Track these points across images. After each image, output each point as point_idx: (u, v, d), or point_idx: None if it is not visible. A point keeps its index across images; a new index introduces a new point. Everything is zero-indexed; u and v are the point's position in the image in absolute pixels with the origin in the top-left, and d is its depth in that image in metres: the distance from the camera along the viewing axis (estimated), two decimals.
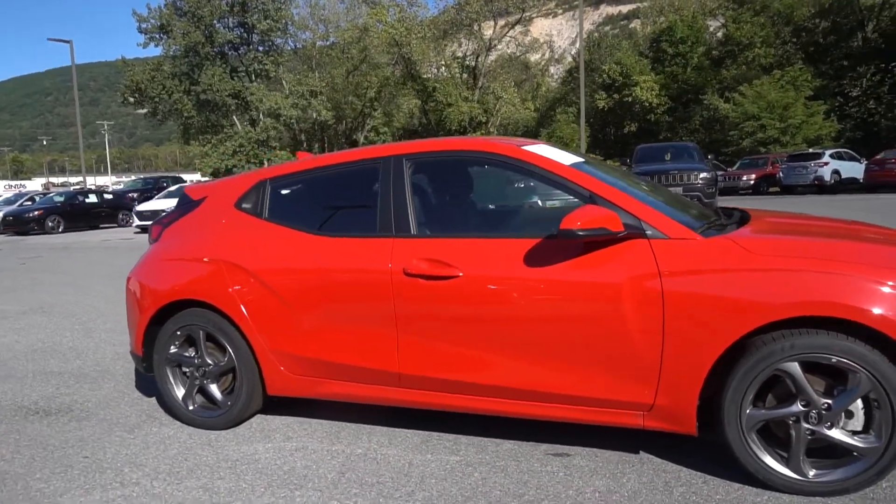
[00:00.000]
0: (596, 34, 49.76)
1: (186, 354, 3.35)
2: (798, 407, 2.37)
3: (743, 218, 2.92)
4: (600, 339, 2.54)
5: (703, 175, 13.65)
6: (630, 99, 37.62)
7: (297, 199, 3.32)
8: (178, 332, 3.30)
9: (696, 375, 2.43)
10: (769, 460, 2.41)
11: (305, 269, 3.01)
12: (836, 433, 2.34)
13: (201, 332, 3.25)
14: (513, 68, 45.41)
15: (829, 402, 2.33)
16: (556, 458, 2.82)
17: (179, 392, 3.36)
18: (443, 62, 41.64)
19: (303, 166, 3.26)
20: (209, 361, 3.28)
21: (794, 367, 2.33)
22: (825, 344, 2.28)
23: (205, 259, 3.24)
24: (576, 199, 2.74)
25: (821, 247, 2.44)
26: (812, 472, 2.38)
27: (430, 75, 41.95)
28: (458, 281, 2.71)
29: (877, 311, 2.21)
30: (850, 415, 2.35)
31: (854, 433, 2.34)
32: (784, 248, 2.43)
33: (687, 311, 2.41)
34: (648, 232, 2.53)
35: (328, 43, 43.60)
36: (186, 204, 3.50)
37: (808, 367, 2.33)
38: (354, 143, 44.78)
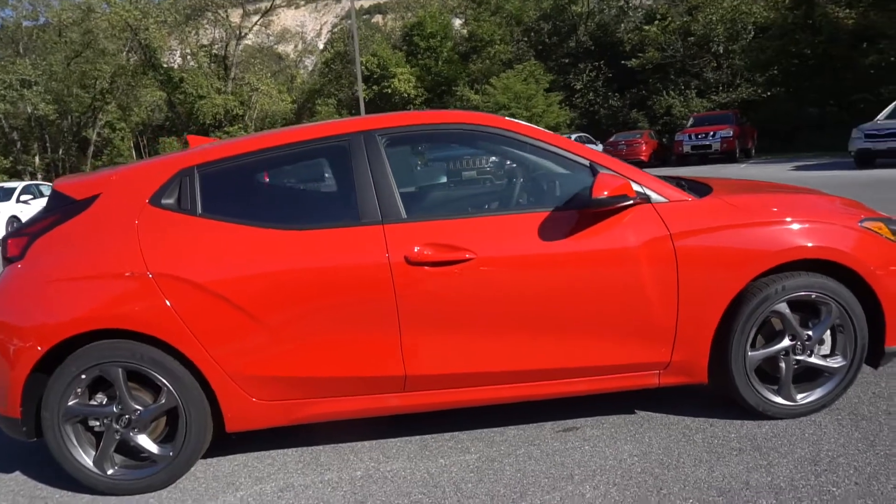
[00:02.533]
0: (350, 26, 49.96)
1: (94, 403, 2.55)
2: (787, 342, 2.67)
3: (700, 185, 3.13)
4: (621, 306, 2.56)
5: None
6: (389, 90, 38.72)
7: (241, 188, 2.71)
8: (83, 376, 2.49)
9: (709, 327, 2.60)
10: (767, 393, 2.69)
11: (276, 273, 2.48)
12: (815, 359, 2.70)
13: (120, 371, 2.49)
14: (266, 59, 43.47)
15: (810, 333, 2.67)
16: (568, 434, 2.78)
17: (88, 456, 2.54)
18: (188, 50, 38.07)
19: (240, 148, 2.66)
20: (135, 406, 2.53)
21: (784, 307, 2.63)
22: (808, 283, 2.60)
23: (124, 273, 2.47)
24: (563, 169, 2.71)
25: (795, 200, 2.77)
26: (799, 397, 2.71)
27: (174, 65, 38.06)
28: (471, 264, 2.49)
29: (847, 250, 2.59)
30: (821, 342, 2.72)
31: (825, 357, 2.73)
32: (767, 203, 2.70)
33: (698, 267, 2.55)
34: (652, 197, 2.61)
35: (38, 23, 36.74)
36: (67, 205, 2.62)
37: (792, 305, 2.65)
38: (85, 141, 38.64)
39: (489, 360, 2.57)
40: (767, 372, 2.73)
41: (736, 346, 2.62)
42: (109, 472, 2.55)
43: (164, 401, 2.52)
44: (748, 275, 2.56)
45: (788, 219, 2.62)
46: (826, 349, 2.74)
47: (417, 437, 2.87)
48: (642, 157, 21.44)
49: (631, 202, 2.50)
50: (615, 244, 2.54)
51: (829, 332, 2.72)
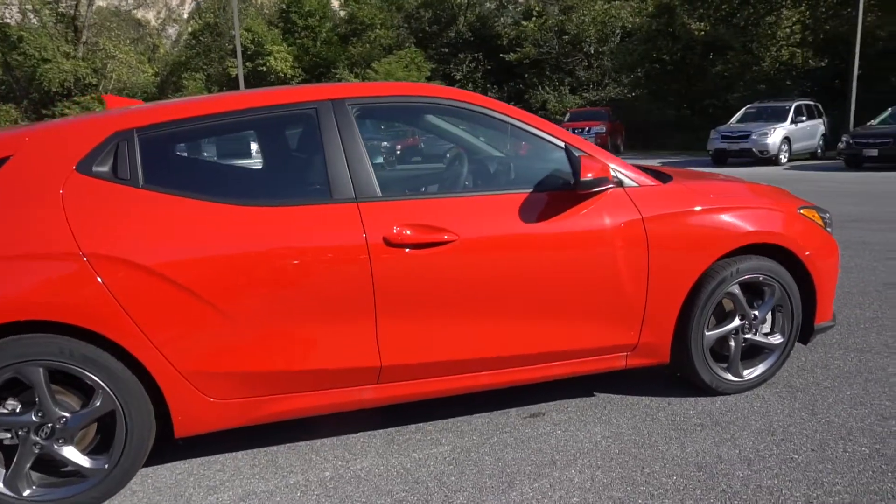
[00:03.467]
0: None
1: (4, 412, 2.11)
2: (737, 321, 2.83)
3: (657, 171, 3.20)
4: (596, 288, 2.57)
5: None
6: (264, 68, 36.83)
7: (192, 156, 2.35)
8: None
9: (674, 309, 2.68)
10: (719, 371, 2.83)
11: (237, 255, 2.19)
12: (759, 337, 2.89)
13: (42, 371, 2.08)
14: (124, 25, 39.59)
15: (756, 312, 2.85)
16: (536, 419, 2.75)
17: None
18: (29, 6, 33.65)
19: (190, 110, 2.30)
20: (60, 413, 2.13)
21: (737, 289, 2.78)
22: (758, 266, 2.77)
23: (48, 253, 2.05)
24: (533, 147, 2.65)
25: (744, 188, 2.92)
26: (745, 373, 2.89)
27: (10, 20, 33.48)
28: (452, 246, 2.36)
29: (791, 235, 2.78)
30: (763, 321, 2.91)
31: (766, 335, 2.92)
32: (722, 190, 2.83)
33: (666, 250, 2.61)
34: (624, 181, 2.63)
35: None
36: None
37: (742, 286, 2.80)
38: None
39: (467, 346, 2.47)
40: (716, 350, 2.88)
41: (696, 327, 2.73)
42: (26, 493, 2.13)
43: (98, 404, 2.15)
44: (710, 257, 2.67)
45: (743, 205, 2.77)
46: (766, 327, 2.93)
47: (380, 430, 2.70)
48: None
49: (611, 186, 2.50)
50: (592, 226, 2.53)
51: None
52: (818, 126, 16.68)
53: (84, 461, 2.18)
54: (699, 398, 2.86)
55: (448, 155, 2.71)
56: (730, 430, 2.57)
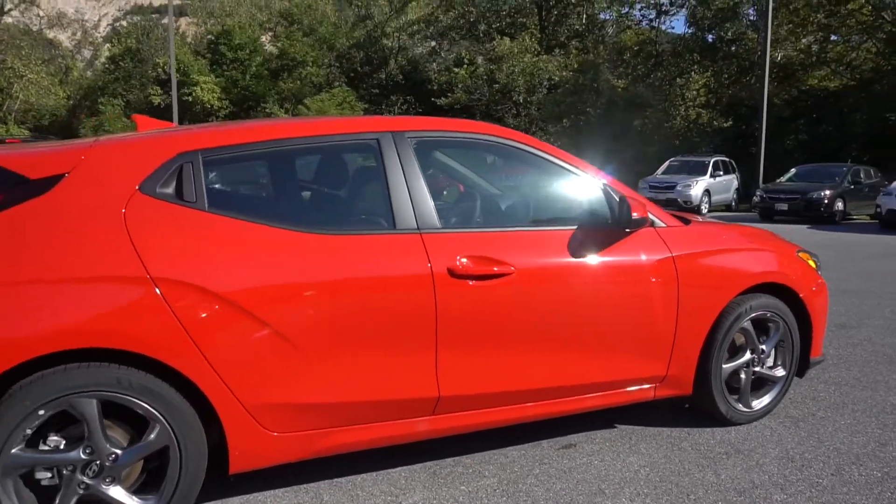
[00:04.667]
0: (144, 22, 45.19)
1: (47, 449, 1.94)
2: (748, 355, 3.04)
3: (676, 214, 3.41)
4: (633, 321, 2.70)
5: None
6: (190, 98, 35.79)
7: (250, 182, 2.30)
8: (40, 413, 1.88)
9: (698, 342, 2.85)
10: (733, 402, 3.01)
11: (306, 283, 2.15)
12: (765, 370, 3.10)
13: (95, 403, 1.93)
14: (35, 44, 37.50)
15: (764, 347, 3.07)
16: (569, 451, 2.81)
17: None
18: None
19: (252, 135, 2.27)
20: (111, 450, 1.98)
21: (749, 324, 2.99)
22: (767, 304, 3.00)
23: (113, 277, 1.93)
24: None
25: (752, 231, 3.17)
26: (754, 403, 3.08)
27: None
28: (510, 278, 2.42)
29: (794, 276, 3.05)
30: (768, 356, 3.13)
31: (770, 368, 3.14)
32: (736, 233, 3.07)
33: (693, 286, 2.79)
34: (655, 221, 2.81)
35: None
36: (15, 185, 1.98)
37: (752, 322, 3.02)
38: None
39: (517, 378, 2.51)
40: (728, 383, 3.06)
41: (716, 360, 2.90)
42: None
43: (152, 438, 2.01)
44: (730, 294, 2.87)
45: (754, 246, 3.01)
46: (771, 362, 3.16)
47: (418, 465, 2.66)
48: None
49: (649, 225, 2.67)
50: (631, 262, 2.67)
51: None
52: (732, 180, 18.15)
53: (133, 501, 2.02)
54: (714, 429, 3.02)
55: (492, 189, 2.79)
56: (753, 458, 2.73)
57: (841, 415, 3.19)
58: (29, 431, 1.89)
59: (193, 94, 35.53)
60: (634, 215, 2.56)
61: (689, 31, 34.56)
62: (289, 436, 2.19)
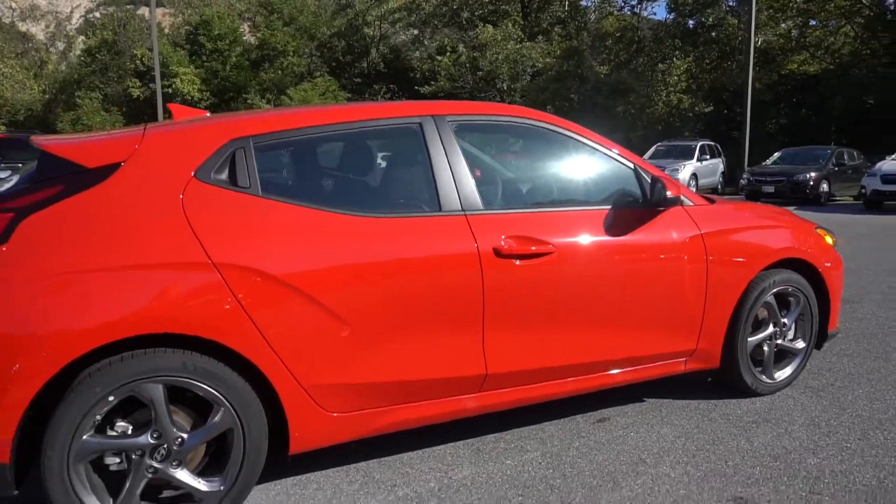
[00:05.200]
0: (120, 14, 44.24)
1: (115, 434, 1.97)
2: (771, 328, 3.14)
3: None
4: (667, 297, 2.77)
5: None
6: (170, 90, 35.25)
7: (300, 167, 2.32)
8: (110, 399, 1.91)
9: (725, 316, 2.94)
10: (758, 374, 3.11)
11: (360, 264, 2.19)
12: (786, 343, 3.21)
13: (161, 388, 1.96)
14: (9, 38, 36.63)
15: (785, 321, 3.17)
16: (604, 424, 2.90)
17: None
18: None
19: (295, 121, 2.29)
20: (177, 434, 2.01)
21: (772, 298, 3.09)
22: (789, 278, 3.10)
23: (177, 263, 1.95)
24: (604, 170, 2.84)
25: (775, 210, 3.26)
26: (776, 374, 3.19)
27: None
28: (552, 257, 2.48)
29: (813, 251, 3.15)
30: (789, 329, 3.23)
31: (791, 340, 3.25)
32: (758, 211, 3.16)
33: (721, 263, 2.87)
34: (683, 201, 2.88)
35: None
36: (73, 174, 1.99)
37: (775, 296, 3.12)
38: None
39: (559, 353, 2.58)
40: (752, 356, 3.16)
41: (742, 334, 3.00)
42: None
43: (216, 421, 2.04)
44: (754, 270, 2.96)
45: (776, 223, 3.11)
46: (791, 335, 3.26)
47: (460, 442, 2.73)
48: None
49: (680, 203, 2.74)
50: (664, 240, 2.75)
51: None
52: (718, 164, 18.38)
53: (199, 484, 2.06)
54: (739, 400, 3.12)
55: (528, 170, 2.83)
56: (781, 426, 2.83)
57: (858, 384, 3.31)
58: (98, 418, 1.92)
59: (174, 86, 34.99)
60: (669, 194, 2.63)
61: (671, 17, 34.74)
62: (345, 416, 2.24)
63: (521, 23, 33.86)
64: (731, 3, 33.22)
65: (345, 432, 2.27)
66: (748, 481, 2.37)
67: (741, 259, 2.93)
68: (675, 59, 31.97)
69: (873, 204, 12.84)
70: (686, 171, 16.21)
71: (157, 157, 2.08)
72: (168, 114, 2.80)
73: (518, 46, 31.28)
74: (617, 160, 2.81)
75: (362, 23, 40.72)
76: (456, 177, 2.42)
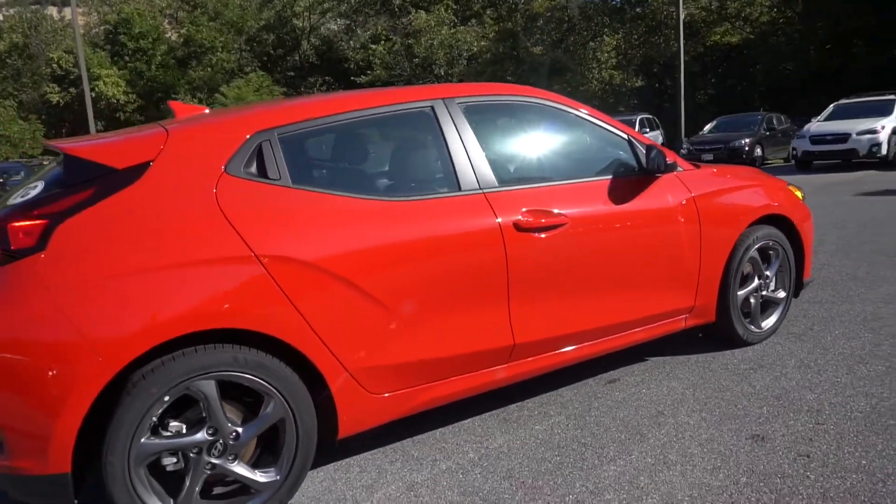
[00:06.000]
0: (28, 14, 41.44)
1: (169, 435, 1.97)
2: (757, 281, 3.36)
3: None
4: (668, 258, 2.94)
5: None
6: (94, 94, 33.56)
7: (323, 155, 2.34)
8: (166, 398, 1.90)
9: (718, 273, 3.14)
10: (747, 324, 3.34)
11: (391, 247, 2.24)
12: (769, 294, 3.45)
13: (214, 384, 1.97)
14: None
15: (768, 273, 3.41)
16: (616, 384, 3.05)
17: None
18: None
19: (314, 111, 2.30)
20: (232, 428, 2.03)
21: (755, 254, 3.31)
22: (770, 234, 3.33)
23: (221, 258, 1.96)
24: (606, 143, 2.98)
25: (749, 169, 3.48)
26: (763, 324, 3.43)
27: None
28: (566, 228, 2.60)
29: (789, 207, 3.39)
30: (771, 280, 3.47)
31: (773, 291, 3.49)
32: (738, 172, 3.36)
33: (711, 223, 3.06)
34: (674, 166, 3.05)
35: None
36: (103, 177, 1.95)
37: (758, 251, 3.34)
38: None
39: (578, 319, 2.71)
40: (741, 308, 3.39)
41: (733, 288, 3.21)
42: None
43: (269, 413, 2.07)
44: (740, 228, 3.17)
45: (755, 183, 3.32)
46: (773, 286, 3.51)
47: (485, 414, 2.83)
48: None
49: (677, 169, 2.90)
50: (663, 205, 2.91)
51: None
52: (658, 136, 19.04)
53: (257, 476, 2.08)
54: (732, 350, 3.34)
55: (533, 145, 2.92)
56: (776, 369, 3.06)
57: (834, 326, 3.60)
58: (154, 419, 1.91)
59: (97, 89, 33.34)
60: (668, 161, 2.79)
61: None
62: (387, 396, 2.30)
63: (454, 7, 33.86)
64: None
65: (387, 413, 2.33)
66: (759, 420, 2.57)
67: (729, 218, 3.13)
68: (604, 36, 32.74)
69: (804, 164, 13.63)
70: None
71: (186, 153, 2.07)
72: (168, 111, 2.75)
73: (452, 31, 31.36)
74: (613, 132, 2.94)
75: (291, 14, 39.83)
76: (471, 157, 2.50)
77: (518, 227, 2.48)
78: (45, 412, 1.77)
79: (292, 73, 39.16)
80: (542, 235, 2.54)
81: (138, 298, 1.86)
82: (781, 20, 29.94)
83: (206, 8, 38.59)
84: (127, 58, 35.41)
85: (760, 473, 2.20)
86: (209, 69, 36.56)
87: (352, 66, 35.76)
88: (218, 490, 2.15)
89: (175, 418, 1.99)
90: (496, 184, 2.52)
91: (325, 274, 2.11)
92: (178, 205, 2.00)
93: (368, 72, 33.66)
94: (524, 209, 2.52)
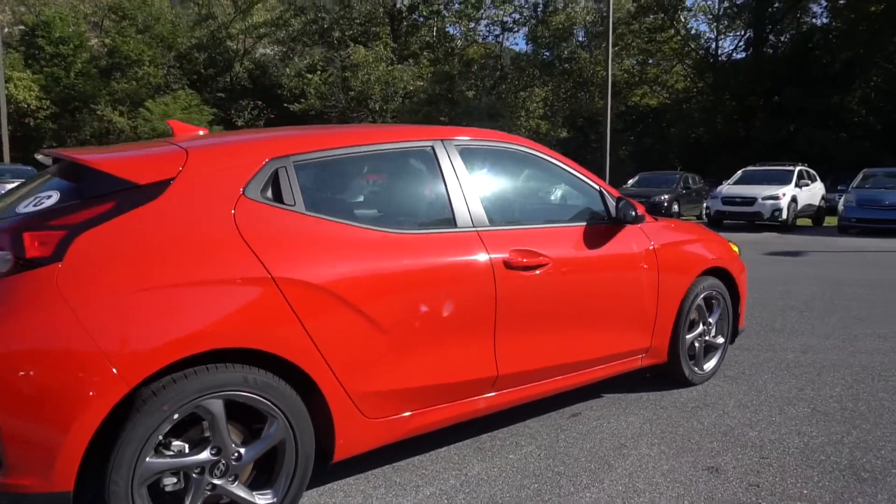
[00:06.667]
0: None
1: (171, 454, 1.95)
2: (701, 327, 3.69)
3: None
4: (632, 301, 3.20)
5: None
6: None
7: (333, 185, 2.41)
8: (175, 416, 1.90)
9: (671, 317, 3.43)
10: (692, 366, 3.64)
11: (394, 276, 2.35)
12: (711, 339, 3.78)
13: (221, 403, 1.98)
14: None
15: (711, 320, 3.75)
16: (578, 418, 3.24)
17: None
18: None
19: (324, 143, 2.39)
20: (235, 449, 2.03)
21: (702, 301, 3.64)
22: (713, 284, 3.68)
23: (240, 279, 1.99)
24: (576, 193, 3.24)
25: (698, 227, 3.84)
26: (705, 367, 3.75)
27: None
28: (548, 269, 2.80)
29: (729, 260, 3.77)
30: (713, 327, 3.82)
31: (713, 337, 3.83)
32: (688, 227, 3.71)
33: (668, 271, 3.36)
34: (642, 218, 3.33)
35: None
36: (124, 191, 1.95)
37: (704, 300, 3.68)
38: None
39: (553, 354, 2.89)
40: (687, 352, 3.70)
41: (683, 332, 3.51)
42: None
43: (272, 434, 2.09)
44: (692, 277, 3.50)
45: (703, 237, 3.68)
46: (713, 332, 3.85)
47: (459, 443, 2.92)
48: None
49: (643, 221, 3.19)
50: (629, 251, 3.18)
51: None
52: None
53: (256, 498, 2.09)
54: (679, 390, 3.63)
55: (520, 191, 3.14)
56: (719, 408, 3.36)
57: (762, 371, 3.98)
58: (160, 437, 1.90)
59: (7, 91, 31.18)
60: (638, 213, 3.06)
61: (530, 49, 37.33)
62: (381, 421, 2.37)
63: (392, 45, 34.53)
64: (580, 39, 36.47)
65: (380, 437, 2.40)
66: (711, 453, 2.83)
67: (683, 268, 3.45)
68: (535, 87, 34.34)
69: (716, 222, 14.82)
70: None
71: (206, 174, 2.11)
72: (166, 130, 2.75)
73: (390, 68, 31.88)
74: (587, 183, 3.20)
75: (225, 35, 39.21)
76: (465, 195, 2.66)
77: (507, 264, 2.65)
78: (55, 426, 1.72)
79: (222, 95, 38.28)
80: (527, 274, 2.72)
81: (158, 314, 1.86)
82: (695, 89, 32.60)
83: (135, 20, 37.27)
84: (44, 62, 33.43)
85: (719, 501, 2.43)
86: (134, 82, 35.08)
87: (285, 93, 35.49)
88: None
89: (176, 438, 1.98)
90: (487, 223, 2.69)
91: (334, 299, 2.18)
92: (197, 224, 2.03)
93: (302, 100, 33.51)
94: (512, 248, 2.69)
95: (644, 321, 3.29)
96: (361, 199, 2.48)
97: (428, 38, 37.23)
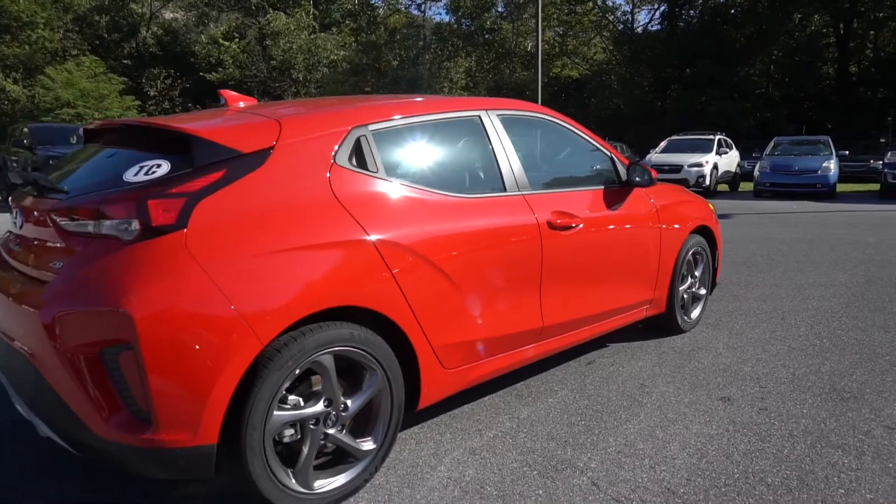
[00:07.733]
0: None
1: (287, 407, 2.08)
2: (690, 280, 4.10)
3: None
4: (642, 256, 3.54)
5: None
6: None
7: (404, 153, 2.53)
8: (297, 372, 2.02)
9: (669, 271, 3.81)
10: (683, 315, 4.06)
11: (466, 236, 2.53)
12: (696, 290, 4.21)
13: (331, 358, 2.12)
14: None
15: (697, 273, 4.17)
16: (594, 365, 3.57)
17: (289, 477, 2.06)
18: None
19: (395, 112, 2.52)
20: (343, 400, 2.18)
21: (691, 257, 4.05)
22: (699, 241, 4.09)
23: (346, 241, 2.11)
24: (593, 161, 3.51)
25: (682, 189, 4.23)
26: (692, 315, 4.18)
27: None
28: (581, 229, 3.06)
29: (711, 217, 4.19)
30: (697, 279, 4.24)
31: (697, 288, 4.26)
32: (677, 189, 4.08)
33: (668, 229, 3.72)
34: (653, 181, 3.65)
35: None
36: (231, 160, 2.01)
37: (692, 255, 4.08)
38: None
39: (585, 306, 3.18)
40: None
41: (677, 284, 3.90)
42: (316, 485, 2.12)
43: (373, 385, 2.25)
44: (685, 234, 3.88)
45: (690, 199, 4.07)
46: (698, 283, 4.27)
47: (495, 394, 3.16)
48: None
49: (654, 183, 3.51)
50: (639, 211, 3.50)
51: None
52: None
53: (362, 444, 2.25)
54: (672, 337, 4.03)
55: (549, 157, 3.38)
56: (711, 350, 3.79)
57: (735, 318, 4.47)
58: (284, 392, 2.02)
59: None
60: (651, 176, 3.38)
61: (452, 19, 37.23)
62: (454, 371, 2.57)
63: (315, 12, 33.46)
64: (500, 10, 36.77)
65: (453, 386, 2.60)
66: (720, 387, 3.23)
67: (678, 226, 3.82)
68: (459, 58, 34.40)
69: None
70: None
71: (300, 142, 2.19)
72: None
73: (312, 37, 30.94)
74: (602, 150, 3.48)
75: None
76: (510, 162, 2.87)
77: (550, 224, 2.89)
78: (202, 383, 1.81)
79: (129, 62, 35.87)
80: (565, 233, 2.97)
81: (281, 276, 1.97)
82: (613, 61, 33.79)
83: None
84: None
85: (740, 423, 2.82)
86: (27, 46, 32.22)
87: (200, 62, 33.74)
88: (316, 462, 2.26)
89: (290, 393, 2.10)
90: (529, 187, 2.91)
91: (418, 258, 2.35)
92: (299, 189, 2.12)
93: (220, 69, 32.01)
94: (553, 210, 2.93)
95: (650, 275, 3.64)
96: (427, 165, 2.62)
97: (349, 6, 36.30)
